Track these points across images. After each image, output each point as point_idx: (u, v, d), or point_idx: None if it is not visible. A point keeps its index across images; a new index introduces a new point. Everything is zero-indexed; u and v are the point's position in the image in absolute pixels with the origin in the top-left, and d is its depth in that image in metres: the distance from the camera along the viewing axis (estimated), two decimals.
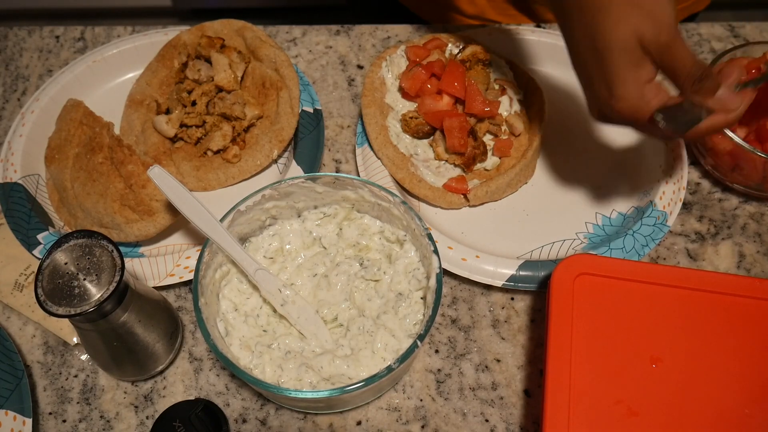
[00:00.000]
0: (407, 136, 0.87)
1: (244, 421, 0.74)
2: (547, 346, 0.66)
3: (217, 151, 0.89)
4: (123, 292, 0.64)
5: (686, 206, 0.87)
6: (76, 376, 0.77)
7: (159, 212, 0.80)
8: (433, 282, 0.66)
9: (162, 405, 0.75)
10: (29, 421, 0.69)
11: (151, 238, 0.83)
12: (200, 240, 0.84)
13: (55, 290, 0.60)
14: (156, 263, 0.79)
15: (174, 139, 0.90)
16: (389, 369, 0.61)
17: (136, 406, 0.75)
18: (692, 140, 0.77)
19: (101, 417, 0.75)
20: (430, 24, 1.07)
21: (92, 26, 1.06)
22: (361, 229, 0.76)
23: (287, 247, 0.76)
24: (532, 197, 0.87)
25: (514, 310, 0.80)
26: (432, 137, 0.88)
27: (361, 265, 0.74)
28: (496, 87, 0.89)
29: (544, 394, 0.64)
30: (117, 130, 0.92)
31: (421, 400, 0.75)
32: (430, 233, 0.68)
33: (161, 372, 0.77)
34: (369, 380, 0.61)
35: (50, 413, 0.75)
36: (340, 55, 1.01)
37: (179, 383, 0.77)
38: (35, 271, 0.72)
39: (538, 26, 0.99)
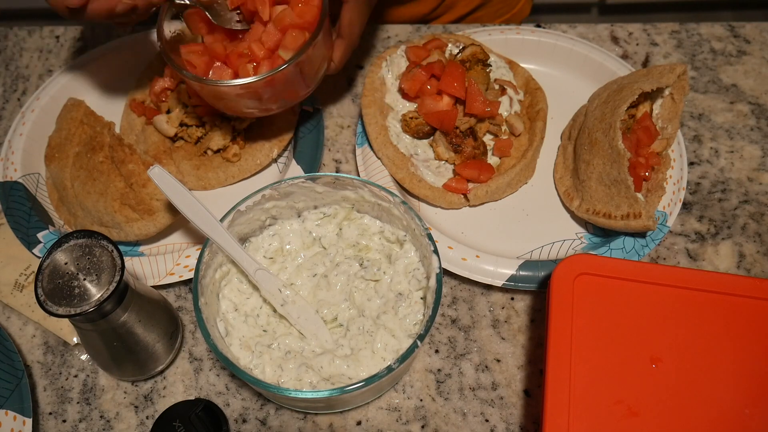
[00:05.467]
0: (407, 136, 0.88)
1: (244, 421, 0.74)
2: (547, 346, 0.66)
3: (217, 150, 0.89)
4: (123, 292, 0.64)
5: (686, 206, 0.87)
6: (76, 376, 0.77)
7: (159, 211, 0.80)
8: (433, 282, 0.66)
9: (162, 405, 0.75)
10: (29, 421, 0.69)
11: (151, 237, 0.83)
12: (200, 239, 0.84)
13: (55, 290, 0.60)
14: (156, 262, 0.79)
15: (174, 139, 0.90)
16: (389, 369, 0.61)
17: (136, 406, 0.75)
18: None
19: (101, 417, 0.75)
20: (430, 24, 1.07)
21: (92, 26, 1.06)
22: (361, 229, 0.76)
23: (287, 247, 0.76)
24: (532, 197, 0.87)
25: (514, 310, 0.80)
26: (432, 137, 0.88)
27: (360, 265, 0.74)
28: (496, 87, 0.89)
29: (544, 394, 0.64)
30: (117, 130, 0.92)
31: (421, 400, 0.75)
32: (430, 233, 0.68)
33: (161, 372, 0.77)
34: (369, 380, 0.61)
35: (50, 413, 0.75)
36: None
37: (179, 383, 0.77)
38: (35, 271, 0.72)
39: (538, 26, 0.99)
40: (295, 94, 0.78)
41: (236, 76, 0.73)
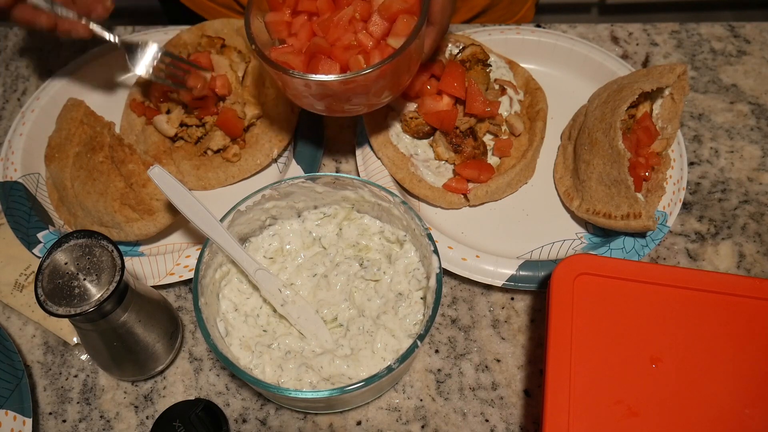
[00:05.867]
0: (407, 136, 0.88)
1: (244, 421, 0.74)
2: (547, 346, 0.66)
3: (217, 150, 0.89)
4: (123, 292, 0.64)
5: (686, 206, 0.87)
6: (76, 376, 0.77)
7: (159, 211, 0.80)
8: (433, 282, 0.66)
9: (162, 405, 0.75)
10: (29, 421, 0.69)
11: (151, 237, 0.83)
12: (200, 239, 0.84)
13: (55, 290, 0.60)
14: (156, 262, 0.79)
15: (174, 139, 0.90)
16: (389, 369, 0.61)
17: (136, 406, 0.75)
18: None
19: (101, 417, 0.75)
20: None
21: None
22: (361, 229, 0.76)
23: (287, 247, 0.76)
24: (532, 197, 0.87)
25: (514, 310, 0.80)
26: (432, 137, 0.88)
27: (360, 265, 0.74)
28: (496, 87, 0.89)
29: (544, 394, 0.64)
30: (117, 130, 0.92)
31: (421, 400, 0.75)
32: (430, 233, 0.68)
33: (161, 372, 0.77)
34: (369, 380, 0.61)
35: (50, 413, 0.75)
36: None
37: (179, 383, 0.77)
38: (35, 271, 0.72)
39: (538, 26, 0.99)
40: (399, 84, 0.76)
41: (345, 69, 0.70)
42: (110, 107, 0.95)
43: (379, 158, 0.86)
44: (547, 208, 0.87)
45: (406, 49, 0.68)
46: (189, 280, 0.82)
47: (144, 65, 0.85)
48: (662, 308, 0.68)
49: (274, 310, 0.72)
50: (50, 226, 0.83)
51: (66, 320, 0.78)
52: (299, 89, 0.72)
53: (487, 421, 0.74)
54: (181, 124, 0.89)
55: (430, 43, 0.75)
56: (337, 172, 0.92)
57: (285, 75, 0.69)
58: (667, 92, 0.86)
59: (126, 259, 0.78)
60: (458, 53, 0.89)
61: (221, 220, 0.69)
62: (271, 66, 0.69)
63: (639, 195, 0.78)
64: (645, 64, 0.99)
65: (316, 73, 0.69)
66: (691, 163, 0.90)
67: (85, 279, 0.61)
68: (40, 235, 0.81)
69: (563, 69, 0.97)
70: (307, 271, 0.75)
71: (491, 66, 0.91)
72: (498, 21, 1.15)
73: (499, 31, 0.96)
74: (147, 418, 0.75)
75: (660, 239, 0.80)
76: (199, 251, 0.76)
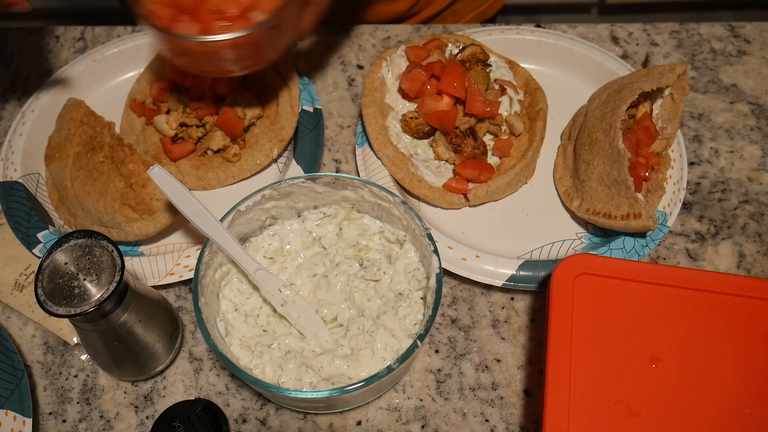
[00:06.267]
0: (407, 136, 0.88)
1: (244, 421, 0.74)
2: (547, 346, 0.66)
3: (217, 151, 0.89)
4: (123, 292, 0.64)
5: (686, 206, 0.87)
6: (76, 376, 0.78)
7: (159, 211, 0.80)
8: (433, 282, 0.66)
9: (162, 405, 0.75)
10: (29, 421, 0.69)
11: (151, 237, 0.83)
12: (200, 239, 0.84)
13: (55, 290, 0.60)
14: (156, 262, 0.79)
15: (174, 139, 0.90)
16: (389, 369, 0.61)
17: (136, 406, 0.75)
18: None
19: (101, 417, 0.75)
20: (430, 24, 1.07)
21: (92, 26, 1.06)
22: (361, 229, 0.76)
23: (287, 247, 0.76)
24: (532, 197, 0.87)
25: (514, 310, 0.80)
26: (432, 137, 0.88)
27: (360, 265, 0.74)
28: (496, 87, 0.89)
29: (544, 394, 0.64)
30: (117, 129, 0.92)
31: (421, 400, 0.75)
32: (430, 233, 0.68)
33: (161, 372, 0.77)
34: (369, 380, 0.61)
35: (50, 413, 0.75)
36: (340, 55, 1.01)
37: (179, 383, 0.77)
38: (35, 271, 0.72)
39: (538, 26, 0.99)
40: (262, 56, 0.76)
41: (203, 32, 0.70)
42: (110, 107, 0.95)
43: (379, 158, 0.86)
44: (547, 208, 0.87)
45: (266, 26, 0.68)
46: (189, 280, 0.82)
47: None
48: (662, 308, 0.68)
49: (274, 310, 0.73)
50: (50, 226, 0.83)
51: (66, 320, 0.78)
52: (160, 41, 0.72)
53: (487, 421, 0.74)
54: (181, 124, 0.89)
55: (308, 23, 0.76)
56: (337, 172, 0.92)
57: (145, 23, 0.69)
58: (667, 92, 0.86)
59: (126, 259, 0.78)
60: (458, 53, 0.89)
61: (221, 220, 0.69)
62: (131, 10, 0.69)
63: (639, 195, 0.78)
64: (645, 64, 0.99)
65: (175, 30, 0.69)
66: (691, 163, 0.90)
67: (85, 279, 0.61)
68: (40, 235, 0.81)
69: (563, 69, 0.97)
70: (307, 271, 0.75)
71: (491, 66, 0.91)
72: (472, 7, 1.15)
73: (499, 31, 0.96)
74: (147, 418, 0.75)
75: (660, 239, 0.80)
76: (199, 251, 0.76)
